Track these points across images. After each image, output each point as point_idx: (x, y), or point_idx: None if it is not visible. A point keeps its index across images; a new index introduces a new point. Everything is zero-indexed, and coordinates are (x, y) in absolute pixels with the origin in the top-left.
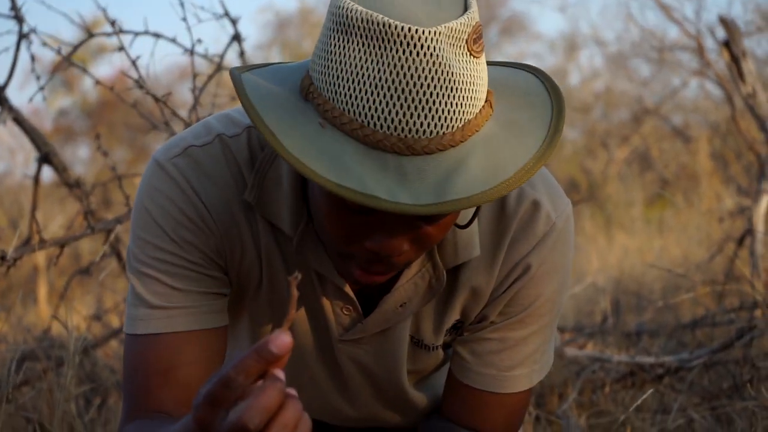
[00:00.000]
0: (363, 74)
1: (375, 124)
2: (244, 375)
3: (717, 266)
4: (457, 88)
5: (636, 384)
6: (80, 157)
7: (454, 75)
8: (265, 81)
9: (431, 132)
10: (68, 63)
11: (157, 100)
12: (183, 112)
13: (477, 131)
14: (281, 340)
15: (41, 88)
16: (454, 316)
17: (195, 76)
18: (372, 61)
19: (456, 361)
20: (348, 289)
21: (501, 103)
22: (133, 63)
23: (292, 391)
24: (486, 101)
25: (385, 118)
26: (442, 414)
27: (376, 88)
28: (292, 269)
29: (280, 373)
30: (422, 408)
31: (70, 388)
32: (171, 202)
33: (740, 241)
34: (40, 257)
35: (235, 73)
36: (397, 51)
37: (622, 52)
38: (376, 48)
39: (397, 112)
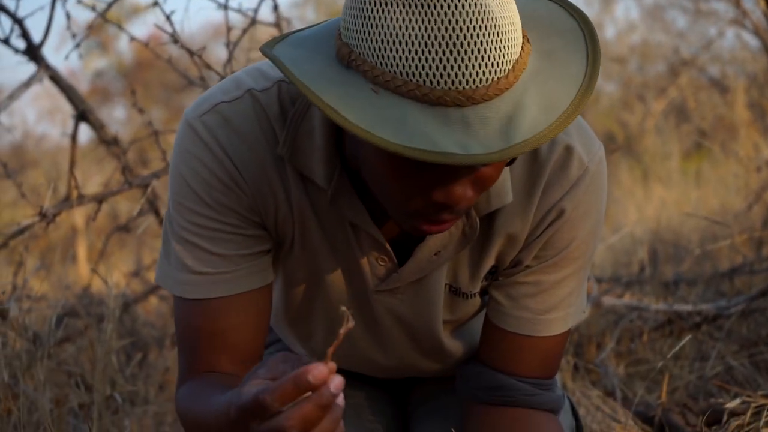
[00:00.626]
0: (411, 34)
1: (432, 82)
2: (280, 402)
3: (755, 216)
4: (502, 32)
5: (674, 332)
6: (117, 118)
7: (497, 20)
8: (298, 53)
9: (487, 79)
10: (103, 20)
11: (191, 54)
12: (217, 68)
13: (524, 69)
14: (319, 371)
15: (77, 45)
16: (490, 262)
17: (229, 30)
18: (417, 20)
19: (492, 305)
20: (383, 239)
21: (532, 34)
22: (168, 18)
23: (340, 401)
24: (523, 36)
25: (441, 74)
26: (478, 359)
27: (426, 46)
28: (324, 223)
29: (336, 384)
30: (458, 356)
31: (110, 342)
32: (201, 164)
33: None
34: (79, 218)
35: (267, 51)
36: (441, 7)
37: (657, 3)
38: (419, 6)
39: (452, 66)
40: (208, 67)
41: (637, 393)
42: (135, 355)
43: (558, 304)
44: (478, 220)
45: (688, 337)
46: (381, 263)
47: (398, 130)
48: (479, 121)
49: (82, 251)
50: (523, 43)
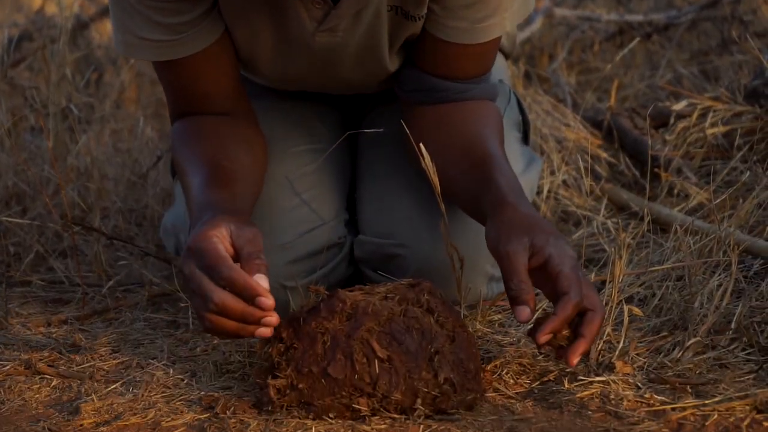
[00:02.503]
0: None
1: None
2: (221, 279)
3: None
4: None
5: (624, 43)
6: None
7: None
8: None
9: None
10: None
11: None
12: None
13: None
14: (267, 304)
15: None
16: None
17: None
18: None
19: (430, 16)
20: None
21: None
22: None
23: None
24: None
25: None
26: (415, 65)
27: None
28: None
29: (267, 321)
30: None
31: (64, 55)
32: None
33: None
34: None
35: None
36: None
37: None
38: None
39: None
40: None
41: (587, 100)
42: (92, 77)
43: (493, 12)
44: None
45: (636, 40)
46: (317, 6)
47: None
48: None
49: None
50: None
